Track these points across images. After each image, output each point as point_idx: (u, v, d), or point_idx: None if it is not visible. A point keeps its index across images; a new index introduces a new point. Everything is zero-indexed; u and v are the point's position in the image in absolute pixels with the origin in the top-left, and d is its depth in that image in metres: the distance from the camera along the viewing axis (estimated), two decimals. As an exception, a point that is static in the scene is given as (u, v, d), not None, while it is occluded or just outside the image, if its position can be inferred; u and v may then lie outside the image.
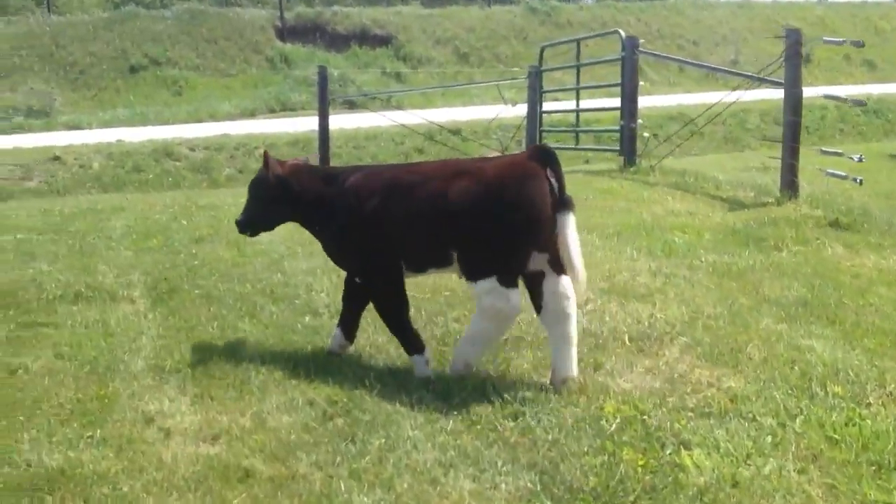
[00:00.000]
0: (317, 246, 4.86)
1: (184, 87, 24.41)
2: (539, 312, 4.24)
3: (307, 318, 5.10)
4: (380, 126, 17.55)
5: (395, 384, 4.18)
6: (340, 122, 18.33)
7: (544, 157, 4.14)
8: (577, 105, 13.47)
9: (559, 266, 4.14)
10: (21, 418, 3.67)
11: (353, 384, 4.14)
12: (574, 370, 4.16)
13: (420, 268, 4.41)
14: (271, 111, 23.18)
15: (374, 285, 4.46)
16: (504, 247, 4.05)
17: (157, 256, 6.30)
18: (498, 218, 4.04)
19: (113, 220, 7.80)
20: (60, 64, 23.98)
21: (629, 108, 10.56)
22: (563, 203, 4.05)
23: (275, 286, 5.65)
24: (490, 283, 4.05)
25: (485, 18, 29.24)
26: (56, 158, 15.15)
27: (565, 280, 4.15)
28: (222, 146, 16.28)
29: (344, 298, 4.69)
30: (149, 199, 9.49)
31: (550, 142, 14.08)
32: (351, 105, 23.87)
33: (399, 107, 18.40)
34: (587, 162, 15.84)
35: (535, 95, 12.63)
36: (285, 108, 23.43)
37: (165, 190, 14.33)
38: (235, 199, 8.61)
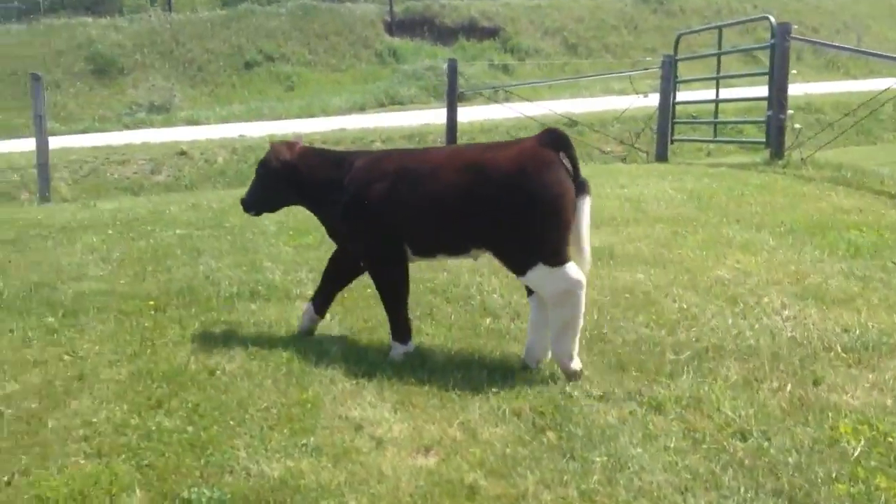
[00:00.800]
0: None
1: (296, 83, 24.78)
2: (531, 294, 4.28)
3: (487, 321, 4.90)
4: (492, 119, 17.36)
5: (600, 396, 3.94)
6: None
7: (556, 142, 4.09)
8: (717, 95, 12.88)
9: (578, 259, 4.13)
10: (231, 423, 3.58)
11: (555, 393, 3.93)
12: (548, 355, 4.23)
13: (429, 253, 4.40)
14: (381, 105, 23.27)
15: (377, 269, 4.46)
16: (540, 236, 4.01)
17: (317, 254, 6.22)
18: (526, 209, 3.99)
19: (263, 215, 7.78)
20: (179, 61, 24.68)
21: (778, 98, 10.02)
22: (578, 186, 4.05)
23: (444, 286, 5.49)
24: (539, 272, 4.02)
25: (594, 8, 28.69)
26: (182, 153, 15.50)
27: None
28: (339, 140, 16.33)
29: (325, 273, 4.72)
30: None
31: (683, 134, 13.57)
32: (460, 97, 23.86)
33: (508, 100, 18.16)
34: (709, 154, 15.30)
35: (669, 85, 12.18)
36: (394, 101, 23.50)
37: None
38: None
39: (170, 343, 4.46)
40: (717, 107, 13.40)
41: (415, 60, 25.61)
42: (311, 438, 3.48)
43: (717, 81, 12.85)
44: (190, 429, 3.51)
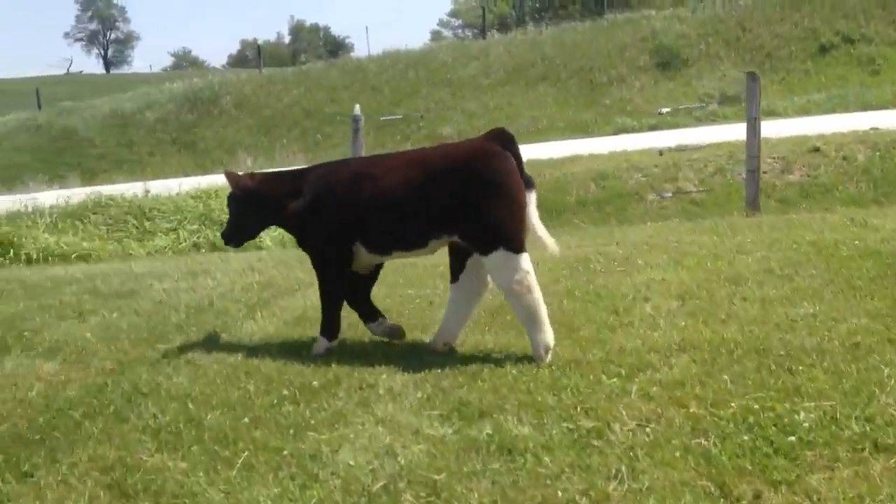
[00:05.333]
0: None
1: (881, 66, 21.69)
2: (455, 280, 4.55)
3: None
4: None
5: None
6: None
7: (503, 139, 4.38)
8: None
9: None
10: None
11: None
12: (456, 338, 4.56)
13: (385, 250, 4.63)
14: None
15: (321, 269, 4.75)
16: (496, 217, 4.25)
17: None
18: (479, 191, 4.26)
19: None
20: (746, 48, 23.17)
21: None
22: (524, 181, 4.31)
23: None
24: (500, 255, 4.24)
25: None
26: (815, 150, 13.85)
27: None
28: None
29: (350, 294, 4.83)
30: None
31: None
32: None
33: None
34: None
35: None
36: None
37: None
38: None
39: None
40: None
41: None
42: None
43: None
44: None
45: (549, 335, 4.24)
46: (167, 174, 20.29)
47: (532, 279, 4.23)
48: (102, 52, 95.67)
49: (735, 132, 16.19)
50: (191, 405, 3.93)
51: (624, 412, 3.49)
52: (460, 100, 24.19)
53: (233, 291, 6.21)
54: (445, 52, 26.83)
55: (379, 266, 4.90)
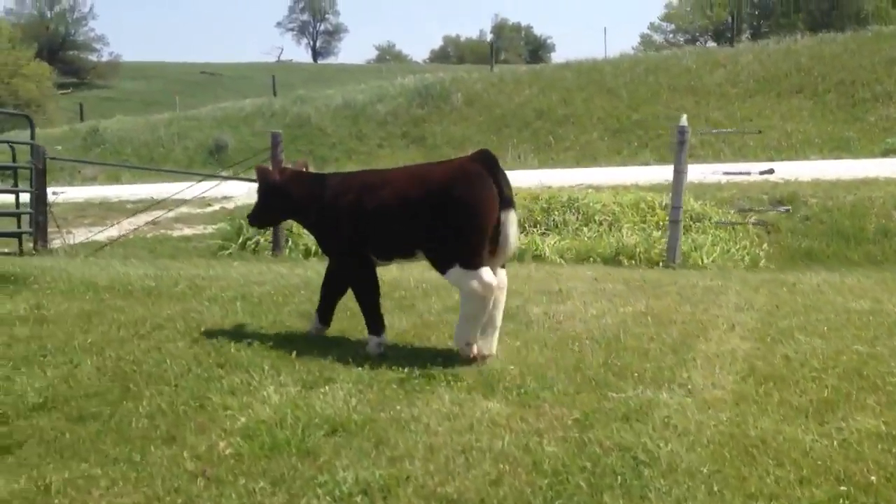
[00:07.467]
0: None
1: None
2: None
3: None
4: None
5: None
6: None
7: (487, 161, 4.66)
8: None
9: (496, 259, 4.71)
10: None
11: None
12: (494, 349, 4.84)
13: (387, 257, 5.07)
14: None
15: (349, 271, 5.19)
16: (459, 239, 4.61)
17: None
18: (449, 214, 4.62)
19: None
20: None
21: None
22: (504, 202, 4.61)
23: None
24: (456, 272, 4.63)
25: None
26: None
27: (501, 273, 4.79)
28: None
29: (323, 286, 5.46)
30: None
31: None
32: None
33: None
34: None
35: None
36: None
37: None
38: None
39: None
40: None
41: None
42: None
43: None
44: None
45: (474, 335, 4.70)
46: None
47: (490, 290, 4.58)
48: (311, 42, 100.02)
49: None
50: (716, 487, 3.28)
51: None
52: (704, 108, 22.83)
53: (626, 323, 5.56)
54: (689, 57, 25.46)
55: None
